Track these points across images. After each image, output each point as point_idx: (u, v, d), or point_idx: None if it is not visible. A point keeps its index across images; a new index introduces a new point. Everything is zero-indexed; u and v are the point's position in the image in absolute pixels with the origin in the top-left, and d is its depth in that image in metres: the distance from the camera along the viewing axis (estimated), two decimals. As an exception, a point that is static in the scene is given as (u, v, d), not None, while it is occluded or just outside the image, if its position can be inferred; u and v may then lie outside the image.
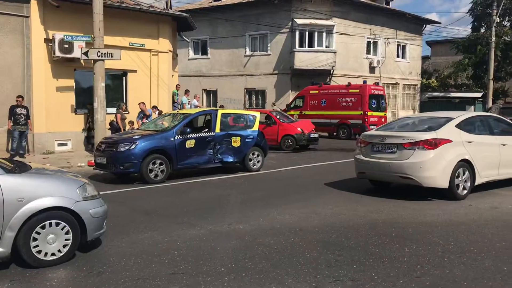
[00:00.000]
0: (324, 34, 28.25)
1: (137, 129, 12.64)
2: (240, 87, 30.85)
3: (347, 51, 29.44)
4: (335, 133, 23.16)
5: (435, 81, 40.17)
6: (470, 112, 10.87)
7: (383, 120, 23.15)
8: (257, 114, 12.67)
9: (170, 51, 17.26)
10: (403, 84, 34.12)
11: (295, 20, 27.73)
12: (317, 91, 24.03)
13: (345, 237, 6.06)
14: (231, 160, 11.60)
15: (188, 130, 10.81)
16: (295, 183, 10.58)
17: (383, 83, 30.05)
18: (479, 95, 35.07)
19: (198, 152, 10.96)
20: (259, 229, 6.43)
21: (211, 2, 33.34)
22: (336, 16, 28.63)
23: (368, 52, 31.24)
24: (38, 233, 4.90)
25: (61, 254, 5.04)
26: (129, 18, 15.39)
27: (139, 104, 14.95)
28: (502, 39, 33.59)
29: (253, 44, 30.46)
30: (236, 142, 11.63)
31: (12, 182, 4.84)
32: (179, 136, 10.59)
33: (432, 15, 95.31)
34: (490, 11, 32.01)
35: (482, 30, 35.86)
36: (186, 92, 20.14)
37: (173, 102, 18.32)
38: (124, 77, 16.09)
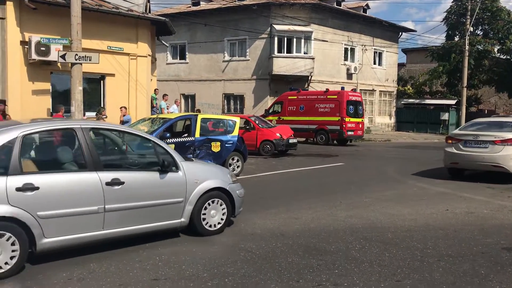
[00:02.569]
0: (303, 40, 28.51)
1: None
2: (218, 92, 30.85)
3: (325, 58, 29.76)
4: (313, 139, 23.33)
5: (410, 88, 40.92)
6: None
7: (360, 126, 23.45)
8: (237, 119, 12.68)
9: (149, 55, 17.13)
10: (379, 91, 34.66)
11: (274, 26, 27.91)
12: (295, 97, 24.19)
13: (326, 242, 6.11)
14: (211, 165, 11.53)
15: (167, 135, 10.73)
16: (275, 188, 10.62)
17: (360, 90, 30.45)
18: (453, 102, 35.86)
19: (178, 157, 10.87)
20: (240, 234, 6.44)
21: (190, 6, 33.32)
22: (314, 23, 28.95)
23: (345, 58, 31.65)
24: (206, 208, 6.26)
25: (219, 226, 6.39)
26: (107, 21, 15.21)
27: (121, 108, 14.82)
28: (475, 48, 34.51)
29: (232, 49, 30.51)
30: (216, 147, 11.61)
31: (190, 167, 6.26)
32: (159, 140, 10.49)
33: (408, 23, 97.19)
34: (464, 20, 32.89)
35: (456, 38, 36.75)
36: (164, 96, 20.02)
37: (152, 106, 18.18)
38: (102, 81, 15.88)
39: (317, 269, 5.05)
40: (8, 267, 4.71)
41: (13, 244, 4.74)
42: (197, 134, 11.31)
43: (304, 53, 28.62)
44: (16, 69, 13.74)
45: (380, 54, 34.71)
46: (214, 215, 6.35)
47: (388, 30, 34.82)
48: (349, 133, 22.81)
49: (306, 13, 28.80)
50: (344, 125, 22.30)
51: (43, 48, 13.63)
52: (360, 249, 5.80)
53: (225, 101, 30.88)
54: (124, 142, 6.71)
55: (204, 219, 6.24)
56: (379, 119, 35.01)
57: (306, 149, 20.17)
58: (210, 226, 6.30)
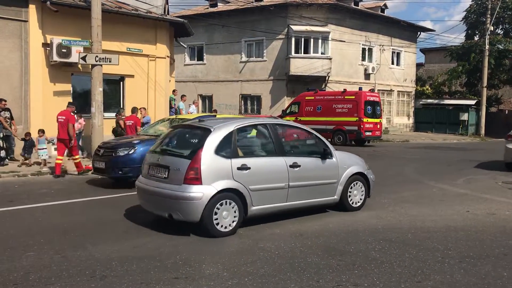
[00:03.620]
0: (320, 41, 28.42)
1: (136, 134, 12.60)
2: (235, 92, 30.94)
3: (343, 58, 29.63)
4: (330, 139, 23.23)
5: (429, 88, 40.48)
6: None
7: (378, 126, 23.27)
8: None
9: (168, 56, 17.30)
10: (397, 91, 34.36)
11: (291, 26, 27.88)
12: (312, 97, 24.13)
13: (346, 242, 6.10)
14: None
15: (186, 135, 10.80)
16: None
17: (378, 90, 30.22)
18: (472, 102, 35.37)
19: (197, 157, 10.96)
20: (259, 234, 6.46)
21: (208, 8, 33.47)
22: (332, 23, 28.83)
23: (363, 58, 31.45)
24: (351, 188, 7.96)
25: (359, 204, 8.12)
26: (127, 23, 15.42)
27: (140, 109, 14.93)
28: (495, 47, 33.98)
29: (249, 50, 30.58)
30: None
31: (340, 155, 7.98)
32: (178, 141, 10.60)
33: (427, 23, 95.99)
34: (484, 19, 32.45)
35: (476, 38, 36.25)
36: (183, 97, 20.17)
37: (170, 107, 18.34)
38: (121, 82, 16.10)
39: (337, 269, 5.05)
40: (230, 228, 6.43)
41: (234, 210, 6.47)
42: (216, 135, 11.35)
43: (322, 54, 28.52)
44: (38, 70, 14.04)
45: (398, 54, 34.42)
46: (356, 194, 8.07)
47: (406, 30, 34.50)
48: (367, 133, 22.66)
49: (323, 13, 28.71)
50: (362, 126, 22.16)
51: (64, 50, 13.89)
52: (380, 249, 5.78)
53: (242, 101, 30.96)
54: (296, 134, 8.41)
55: (350, 197, 7.95)
56: (397, 119, 34.71)
57: (323, 149, 20.06)
58: (354, 203, 8.01)
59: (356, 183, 8.02)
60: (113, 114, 14.71)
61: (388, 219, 7.49)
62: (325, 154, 7.68)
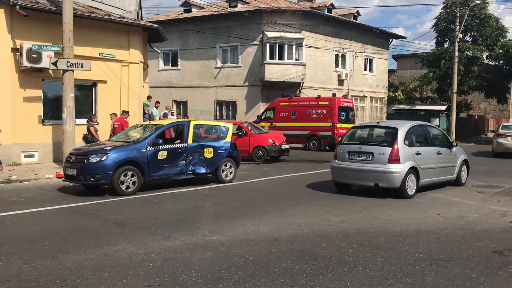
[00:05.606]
0: (294, 47, 28.66)
1: (108, 140, 12.45)
2: (211, 98, 30.88)
3: (316, 64, 29.94)
4: (305, 145, 23.41)
5: (401, 94, 41.20)
6: None
7: (352, 132, 23.53)
8: (230, 125, 12.72)
9: (141, 62, 17.16)
10: (370, 97, 34.88)
11: (266, 33, 28.05)
12: (287, 103, 24.28)
13: (319, 247, 6.14)
14: (204, 171, 11.57)
15: (160, 141, 10.72)
16: (268, 194, 10.65)
17: (351, 96, 30.64)
18: (443, 107, 36.14)
19: (171, 164, 10.89)
20: (234, 240, 6.45)
21: (182, 13, 33.38)
22: (306, 30, 29.13)
23: (336, 65, 31.84)
24: (462, 170, 11.77)
25: (464, 181, 11.91)
26: (99, 28, 15.23)
27: (110, 115, 14.79)
28: (464, 54, 34.85)
29: (224, 56, 30.60)
30: (208, 153, 11.62)
31: (456, 148, 11.56)
32: (151, 147, 10.51)
33: (399, 30, 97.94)
34: (453, 27, 33.24)
35: (446, 45, 37.07)
36: (157, 103, 20.02)
37: (144, 113, 18.17)
38: (93, 88, 15.87)
39: (311, 274, 5.08)
40: (413, 192, 9.96)
41: (414, 181, 10.00)
42: (190, 141, 11.31)
43: (296, 60, 28.77)
44: (6, 76, 13.73)
45: (370, 61, 34.98)
46: (464, 175, 11.86)
47: (379, 37, 35.11)
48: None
49: (297, 20, 28.98)
50: (335, 131, 22.40)
51: (35, 55, 13.62)
52: (353, 253, 5.84)
53: (218, 107, 30.92)
54: (436, 131, 11.86)
55: (462, 176, 11.77)
56: (371, 125, 35.14)
57: (298, 155, 20.24)
58: (463, 180, 11.80)
59: (464, 166, 11.79)
60: (85, 121, 14.50)
61: (361, 223, 7.58)
62: (451, 146, 11.39)
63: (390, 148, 9.64)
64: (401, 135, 9.85)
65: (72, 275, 4.98)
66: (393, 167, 9.54)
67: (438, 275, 5.11)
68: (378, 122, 11.93)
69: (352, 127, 12.25)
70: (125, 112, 15.06)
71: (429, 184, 10.48)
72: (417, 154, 9.97)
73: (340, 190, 10.65)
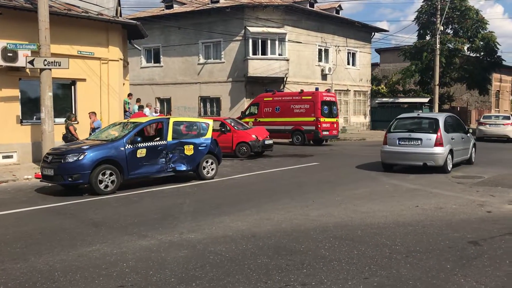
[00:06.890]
0: (277, 42, 28.60)
1: (86, 139, 12.28)
2: (194, 95, 30.70)
3: (300, 59, 29.92)
4: (289, 140, 23.40)
5: (384, 87, 41.41)
6: None
7: (335, 126, 23.63)
8: (210, 121, 12.63)
9: (121, 59, 16.94)
10: (354, 91, 34.99)
11: (248, 28, 27.94)
12: (271, 98, 24.23)
13: (297, 241, 6.11)
14: (184, 168, 11.48)
15: (139, 139, 10.60)
16: (249, 190, 10.61)
17: (334, 90, 30.69)
18: (426, 100, 36.45)
19: (150, 161, 10.78)
20: (211, 237, 6.39)
21: (163, 10, 33.07)
22: (288, 24, 29.08)
23: (319, 59, 31.86)
24: (473, 152, 14.51)
25: (474, 160, 14.74)
26: (77, 26, 15.00)
27: (89, 114, 14.58)
28: (446, 46, 35.16)
29: (207, 52, 30.43)
30: (189, 150, 11.53)
31: (469, 134, 14.55)
32: (130, 145, 10.38)
33: (383, 23, 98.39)
34: (434, 19, 33.46)
35: (428, 37, 37.35)
36: (138, 100, 19.81)
37: (125, 111, 17.97)
38: (73, 86, 15.64)
39: (286, 269, 5.05)
40: (451, 167, 12.70)
41: (451, 160, 12.70)
42: (170, 138, 11.20)
43: (279, 55, 28.72)
44: (-18, 76, 13.43)
45: (353, 55, 35.06)
46: (474, 156, 14.51)
47: (361, 31, 35.20)
48: (324, 133, 22.95)
49: (279, 15, 28.91)
50: (319, 125, 22.43)
51: (10, 54, 13.37)
52: (330, 247, 5.83)
53: (202, 103, 30.77)
54: (456, 121, 14.28)
55: (473, 157, 14.39)
56: (354, 118, 35.35)
57: (282, 150, 20.22)
58: (473, 160, 14.45)
59: (473, 149, 14.44)
60: (63, 120, 14.29)
61: (340, 216, 7.57)
62: (467, 132, 14.33)
63: (435, 135, 12.22)
64: (442, 123, 12.47)
65: (42, 277, 4.89)
66: (438, 149, 12.15)
67: (414, 267, 5.11)
68: (418, 114, 14.73)
69: (395, 119, 13.78)
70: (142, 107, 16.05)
71: (456, 163, 13.03)
72: (452, 139, 12.70)
73: (321, 184, 10.64)
